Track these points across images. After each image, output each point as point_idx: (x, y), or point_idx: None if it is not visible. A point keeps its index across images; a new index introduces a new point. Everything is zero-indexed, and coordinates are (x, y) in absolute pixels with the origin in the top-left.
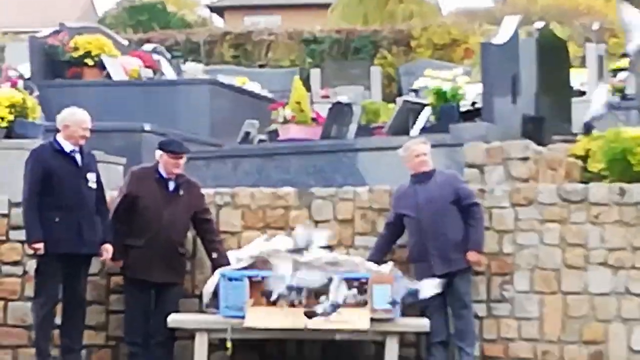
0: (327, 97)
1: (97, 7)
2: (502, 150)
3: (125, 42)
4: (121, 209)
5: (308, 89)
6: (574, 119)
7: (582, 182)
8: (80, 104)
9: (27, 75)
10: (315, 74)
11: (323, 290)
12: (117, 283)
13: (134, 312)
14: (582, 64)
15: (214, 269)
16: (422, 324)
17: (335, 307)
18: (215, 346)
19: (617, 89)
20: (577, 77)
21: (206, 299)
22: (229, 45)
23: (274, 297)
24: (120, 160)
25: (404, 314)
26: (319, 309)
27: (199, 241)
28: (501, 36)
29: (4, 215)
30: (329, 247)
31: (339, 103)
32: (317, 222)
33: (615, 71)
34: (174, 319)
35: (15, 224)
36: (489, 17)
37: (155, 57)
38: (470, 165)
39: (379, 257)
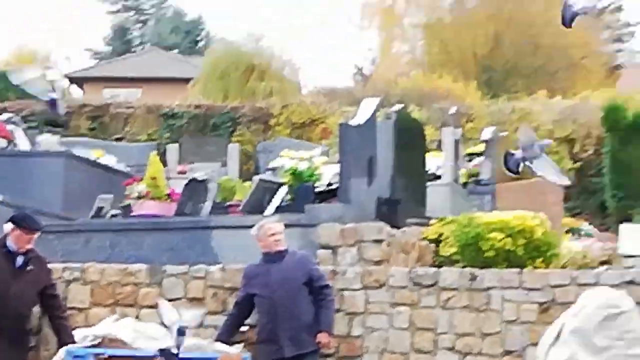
0: (184, 172)
1: None
2: (356, 232)
3: None
4: None
5: (165, 164)
6: (429, 202)
7: (434, 265)
8: None
9: None
10: (172, 149)
11: None
12: None
13: None
14: (439, 147)
15: (60, 346)
16: None
17: None
18: None
19: (471, 173)
20: (433, 161)
21: None
22: (87, 117)
23: None
24: None
25: None
26: None
27: (44, 317)
28: (359, 117)
29: None
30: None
31: (194, 179)
32: (169, 300)
33: (471, 155)
34: None
35: None
36: (348, 97)
37: (10, 127)
38: (324, 246)
39: (227, 336)
